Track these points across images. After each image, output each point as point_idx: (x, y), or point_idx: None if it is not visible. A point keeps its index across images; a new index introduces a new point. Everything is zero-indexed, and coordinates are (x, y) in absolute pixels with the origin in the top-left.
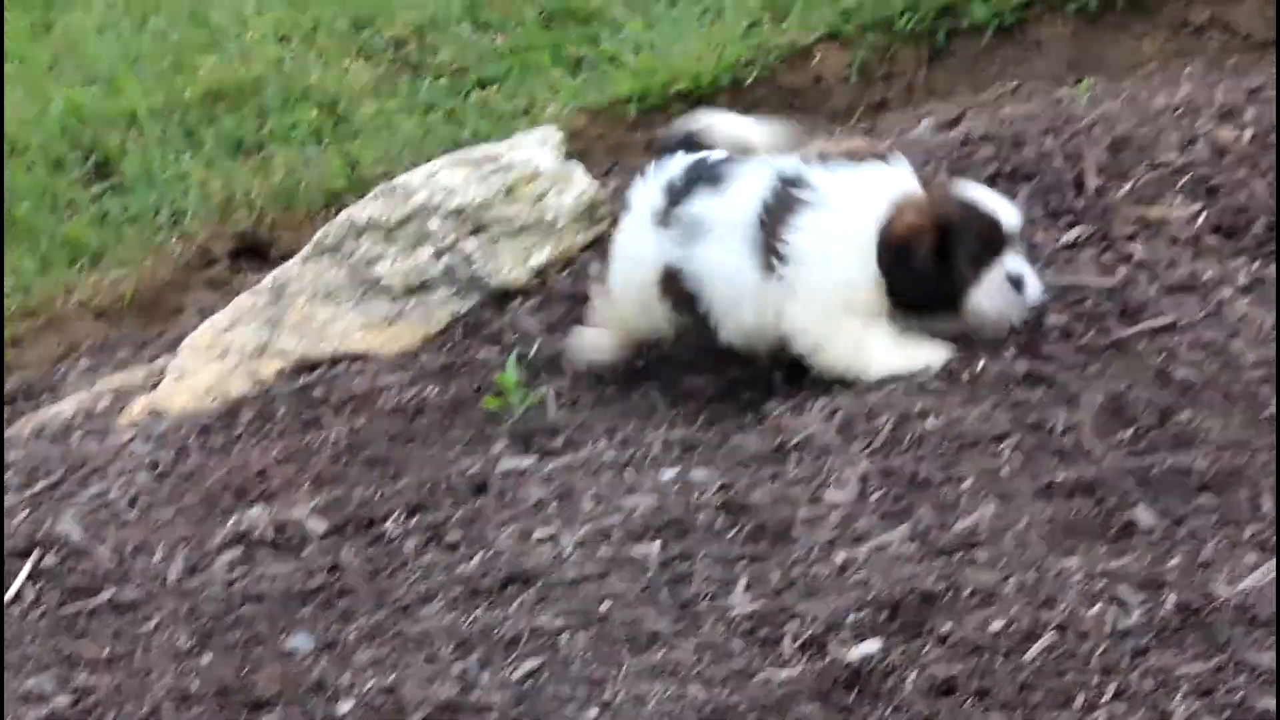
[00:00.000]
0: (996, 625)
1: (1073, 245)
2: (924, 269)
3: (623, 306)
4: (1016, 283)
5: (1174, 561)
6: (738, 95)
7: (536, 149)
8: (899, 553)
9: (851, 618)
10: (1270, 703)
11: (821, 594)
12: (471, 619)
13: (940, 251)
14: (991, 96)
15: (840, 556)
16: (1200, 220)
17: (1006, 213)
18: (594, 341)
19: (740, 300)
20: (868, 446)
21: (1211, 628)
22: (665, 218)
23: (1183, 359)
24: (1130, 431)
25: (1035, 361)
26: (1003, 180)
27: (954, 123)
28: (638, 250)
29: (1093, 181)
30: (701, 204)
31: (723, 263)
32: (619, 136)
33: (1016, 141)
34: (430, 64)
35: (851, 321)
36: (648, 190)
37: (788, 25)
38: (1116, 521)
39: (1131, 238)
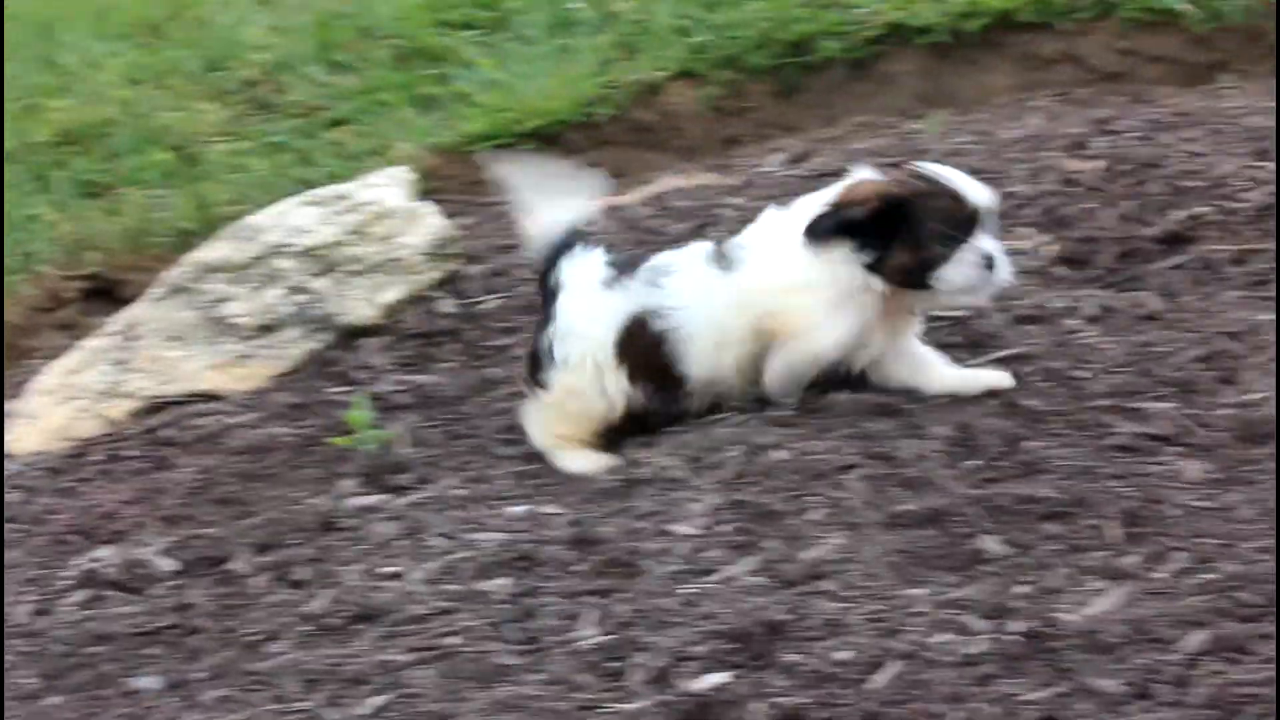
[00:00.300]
0: (843, 655)
1: None
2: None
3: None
4: (988, 261)
5: (1020, 589)
6: (589, 132)
7: (387, 188)
8: (747, 584)
9: (699, 649)
10: None
11: (669, 626)
12: (319, 656)
13: (895, 223)
14: (842, 131)
15: (688, 588)
16: (1049, 251)
17: (979, 193)
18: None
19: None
20: (717, 479)
21: (1056, 654)
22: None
23: (1030, 388)
24: (978, 461)
25: (883, 393)
26: None
27: (804, 157)
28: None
29: None
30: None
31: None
32: (470, 175)
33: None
34: (282, 104)
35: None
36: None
37: (639, 62)
38: (963, 550)
39: None
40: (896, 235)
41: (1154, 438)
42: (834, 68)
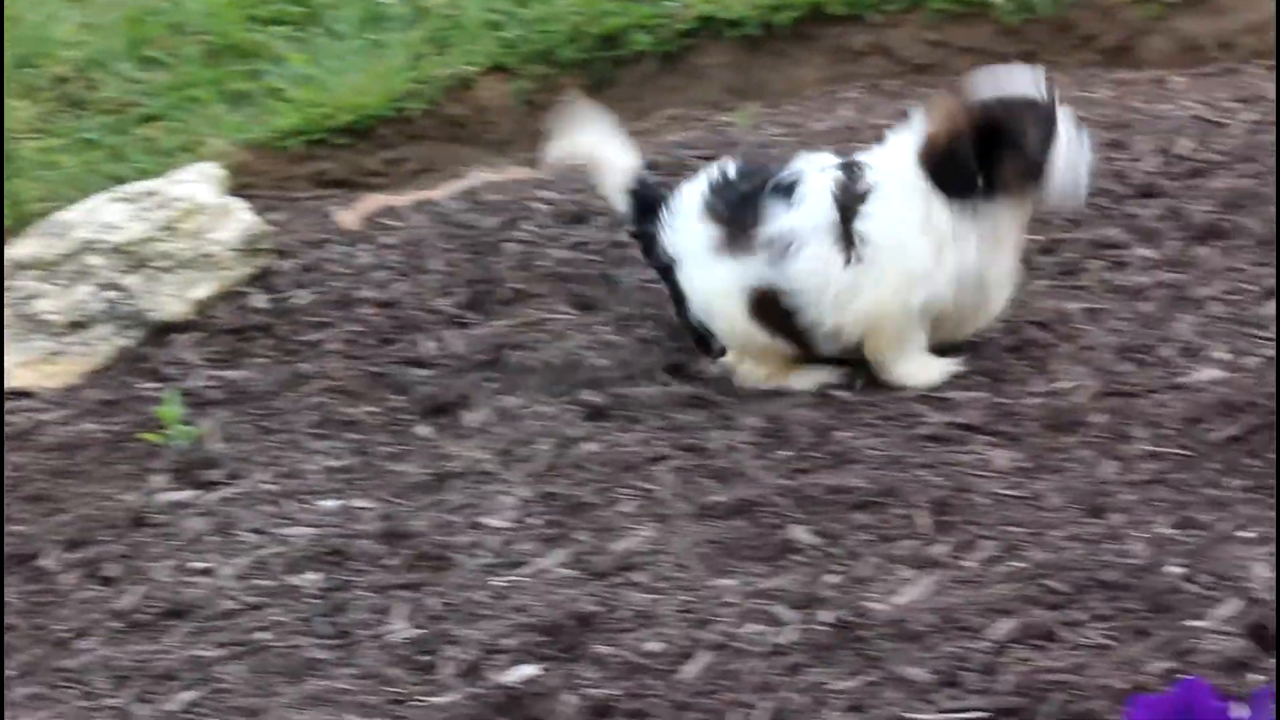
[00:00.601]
0: (653, 646)
1: None
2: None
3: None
4: (1076, 142)
5: (830, 579)
6: (402, 126)
7: (197, 184)
8: (558, 576)
9: (510, 642)
10: (922, 716)
11: (480, 619)
12: (130, 652)
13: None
14: (653, 124)
15: (499, 581)
16: None
17: (1040, 85)
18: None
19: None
20: (528, 472)
21: (865, 643)
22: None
23: (841, 379)
24: (788, 452)
25: (695, 384)
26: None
27: None
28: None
29: None
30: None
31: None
32: (283, 170)
33: (678, 168)
34: (93, 101)
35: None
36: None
37: (451, 57)
38: (774, 541)
39: None
40: (999, 150)
41: (964, 427)
42: (645, 61)
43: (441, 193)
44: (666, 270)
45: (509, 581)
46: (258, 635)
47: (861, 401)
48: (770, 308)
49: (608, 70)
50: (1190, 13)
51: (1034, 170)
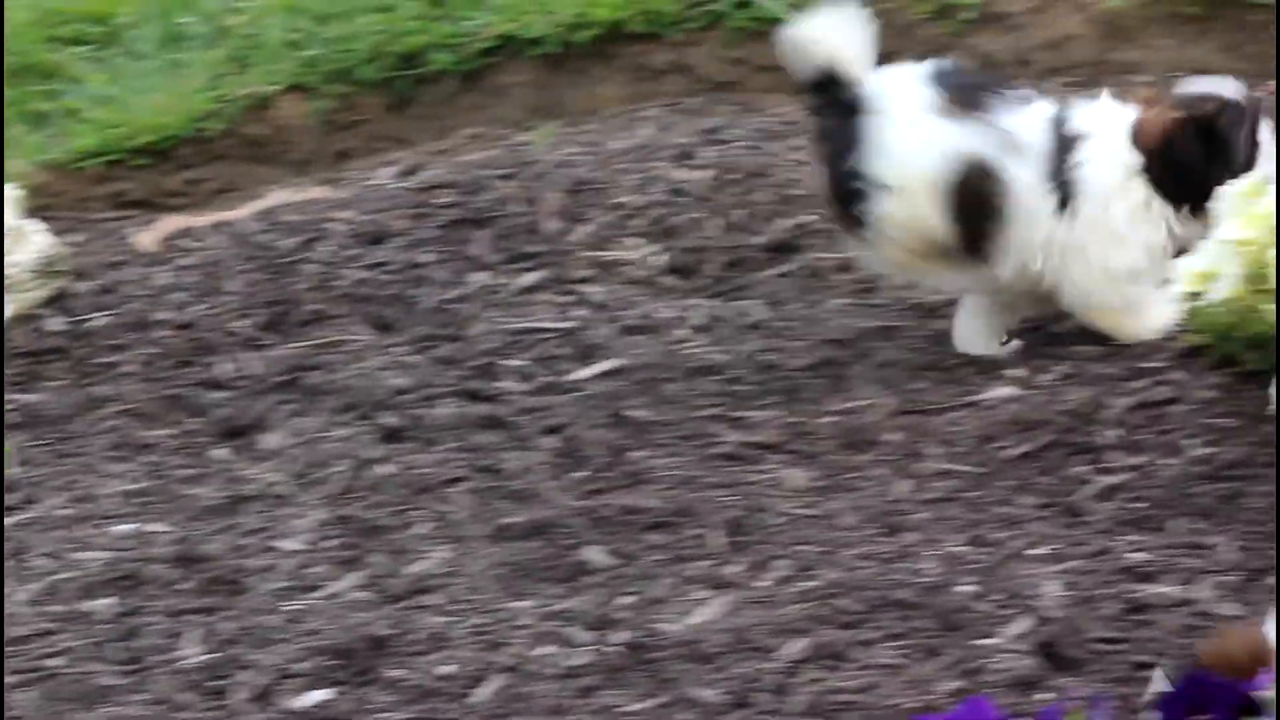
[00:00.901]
0: (446, 669)
1: (531, 289)
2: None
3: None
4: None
5: (624, 600)
6: (201, 147)
7: None
8: (352, 599)
9: (303, 666)
10: None
11: (273, 643)
12: None
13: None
14: (453, 143)
15: (293, 605)
16: (657, 261)
17: (1231, 88)
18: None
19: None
20: (324, 494)
21: (658, 665)
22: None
23: (636, 399)
24: (584, 472)
25: (492, 405)
26: (463, 226)
27: (415, 170)
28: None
29: (551, 225)
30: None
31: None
32: (81, 191)
33: (476, 187)
34: None
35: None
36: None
37: (250, 76)
38: (568, 562)
39: (589, 280)
40: (1213, 153)
41: (759, 446)
42: (446, 80)
43: (240, 213)
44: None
45: (302, 605)
46: (49, 662)
47: (657, 421)
48: (970, 194)
49: (408, 89)
50: (987, 29)
51: (1237, 175)
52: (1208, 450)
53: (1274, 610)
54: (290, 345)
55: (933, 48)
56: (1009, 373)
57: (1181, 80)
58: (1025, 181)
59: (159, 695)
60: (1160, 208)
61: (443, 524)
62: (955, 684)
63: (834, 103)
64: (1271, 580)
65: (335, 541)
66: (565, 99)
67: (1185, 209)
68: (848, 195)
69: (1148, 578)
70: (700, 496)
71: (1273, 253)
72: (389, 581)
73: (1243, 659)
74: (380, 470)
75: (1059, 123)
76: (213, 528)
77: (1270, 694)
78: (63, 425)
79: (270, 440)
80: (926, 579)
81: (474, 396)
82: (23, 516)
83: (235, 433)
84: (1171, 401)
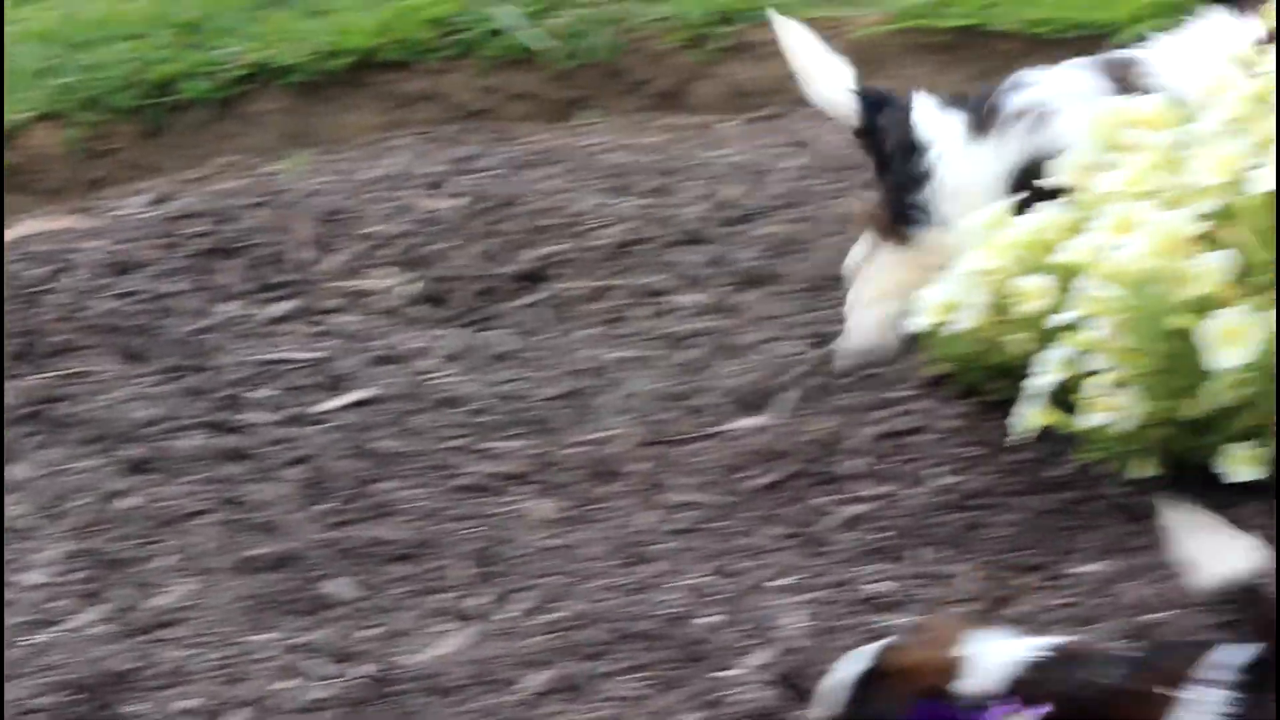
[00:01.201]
0: (187, 704)
1: (280, 319)
2: None
3: None
4: None
5: (367, 633)
6: None
7: None
8: (94, 633)
9: (44, 700)
10: None
11: (15, 678)
12: None
13: None
14: (206, 171)
15: (35, 639)
16: (407, 291)
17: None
18: None
19: None
20: (68, 527)
21: (399, 698)
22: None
23: (384, 430)
24: (329, 504)
25: (238, 435)
26: (213, 255)
27: (167, 198)
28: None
29: (301, 254)
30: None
31: None
32: None
33: (227, 216)
34: None
35: None
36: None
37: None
38: (312, 594)
39: (339, 310)
40: None
41: (506, 477)
42: (199, 108)
43: None
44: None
45: (46, 639)
46: None
47: (404, 452)
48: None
49: (162, 117)
50: (738, 59)
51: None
52: (951, 480)
53: None
54: (37, 376)
55: (684, 76)
56: (754, 403)
57: None
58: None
59: None
60: None
61: (187, 556)
62: (696, 715)
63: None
64: (1010, 610)
65: (79, 574)
66: (318, 127)
67: None
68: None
69: (888, 608)
70: (445, 528)
71: (1014, 283)
72: (131, 615)
73: (936, 668)
74: (125, 502)
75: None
76: None
77: None
78: None
79: (15, 472)
80: (670, 610)
81: (220, 428)
82: None
83: None
84: (915, 431)
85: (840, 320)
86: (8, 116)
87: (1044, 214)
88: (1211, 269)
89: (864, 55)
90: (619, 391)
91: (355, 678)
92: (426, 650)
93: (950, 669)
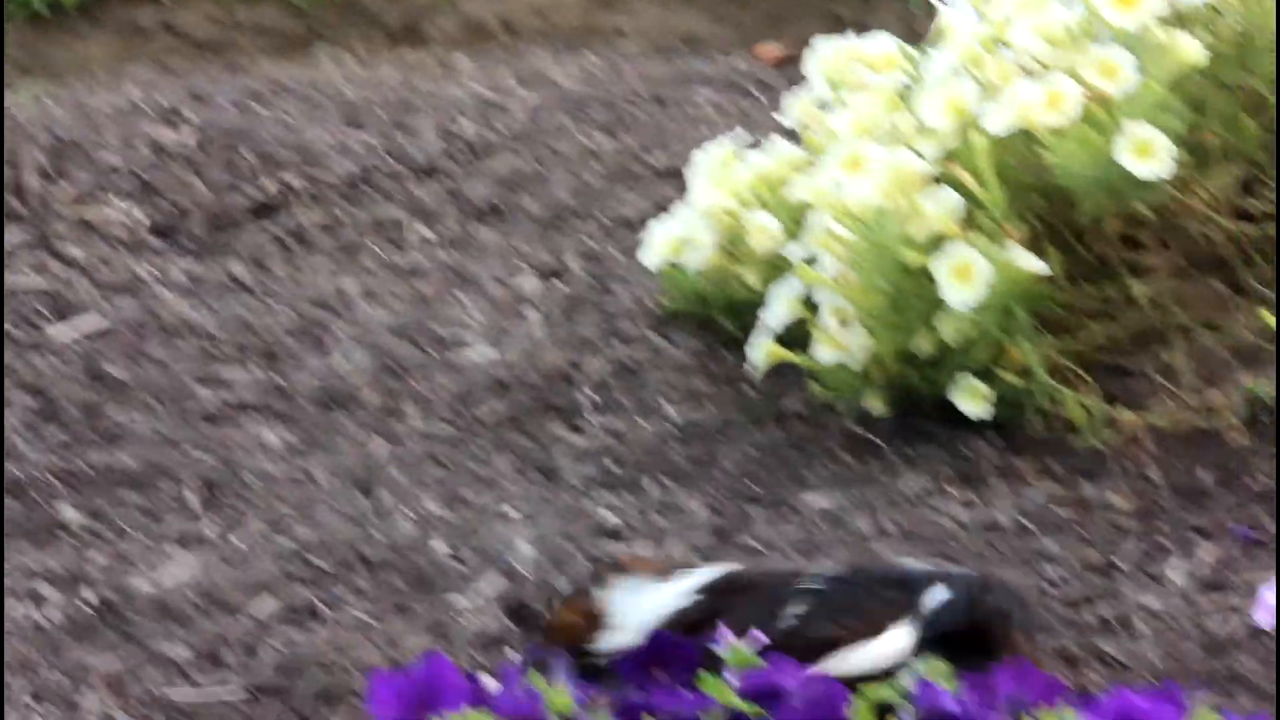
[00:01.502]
0: None
1: (11, 250)
2: None
3: None
4: None
5: (97, 558)
6: None
7: None
8: None
9: None
10: (181, 693)
11: None
12: None
13: None
14: None
15: None
16: (140, 221)
17: None
18: None
19: None
20: None
21: (128, 622)
22: None
23: (115, 358)
24: (59, 429)
25: None
26: None
27: None
28: None
29: (32, 184)
30: None
31: None
32: None
33: None
34: None
35: None
36: None
37: None
38: (42, 519)
39: (70, 239)
40: None
41: (238, 406)
42: None
43: None
44: None
45: None
46: None
47: (136, 381)
48: None
49: None
50: None
51: None
52: (684, 413)
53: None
54: None
55: (420, 10)
56: (487, 335)
57: None
58: None
59: None
60: None
61: None
62: (425, 642)
63: None
64: (739, 540)
65: None
66: (51, 58)
67: None
68: None
69: (619, 536)
70: (177, 455)
71: (745, 219)
72: None
73: (581, 623)
74: None
75: None
76: None
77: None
78: None
79: None
80: (400, 538)
81: None
82: None
83: None
84: (650, 364)
85: (576, 253)
86: None
87: (775, 151)
88: (940, 207)
89: None
90: (353, 322)
91: (83, 601)
92: (156, 575)
93: (591, 625)
